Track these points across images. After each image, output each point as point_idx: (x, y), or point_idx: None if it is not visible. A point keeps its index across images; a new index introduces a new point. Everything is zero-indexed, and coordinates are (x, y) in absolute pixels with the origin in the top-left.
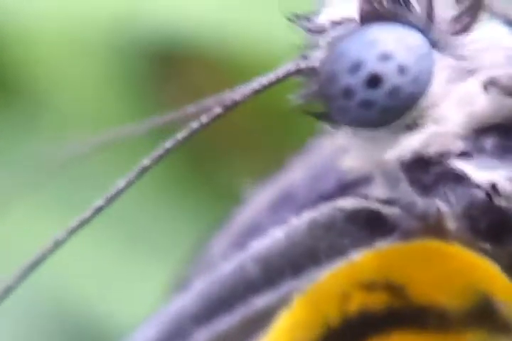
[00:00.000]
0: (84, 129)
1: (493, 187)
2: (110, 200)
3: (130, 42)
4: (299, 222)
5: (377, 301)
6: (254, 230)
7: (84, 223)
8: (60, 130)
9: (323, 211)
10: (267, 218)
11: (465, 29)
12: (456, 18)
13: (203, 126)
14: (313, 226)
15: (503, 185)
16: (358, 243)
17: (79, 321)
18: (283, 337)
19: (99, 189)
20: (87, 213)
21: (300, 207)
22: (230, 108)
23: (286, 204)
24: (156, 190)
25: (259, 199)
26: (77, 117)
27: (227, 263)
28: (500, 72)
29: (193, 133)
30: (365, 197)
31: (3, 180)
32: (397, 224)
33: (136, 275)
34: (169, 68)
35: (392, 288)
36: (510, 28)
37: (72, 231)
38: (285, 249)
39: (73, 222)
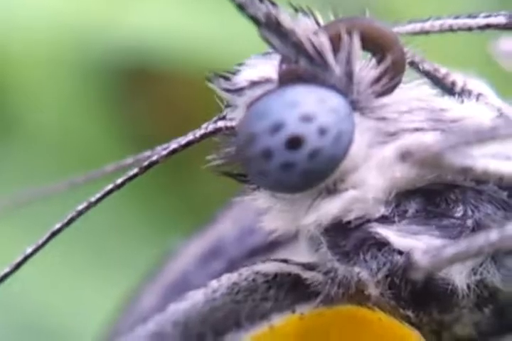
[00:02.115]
0: (57, 147)
1: (411, 257)
2: (67, 224)
3: (101, 59)
4: (219, 284)
5: None
6: (184, 283)
7: (40, 247)
8: (33, 147)
9: (243, 274)
10: (196, 271)
11: (387, 90)
12: (378, 79)
13: (129, 180)
14: (234, 289)
15: (422, 253)
16: (280, 307)
17: (37, 331)
18: None
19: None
20: (44, 237)
21: (230, 260)
22: (149, 168)
23: (216, 257)
24: (123, 206)
25: (189, 251)
26: (48, 135)
27: (145, 327)
28: (416, 142)
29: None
30: (286, 261)
31: None
32: (318, 289)
33: (97, 289)
34: (140, 83)
35: None
36: (434, 88)
37: (33, 253)
38: (205, 313)
39: (29, 248)
